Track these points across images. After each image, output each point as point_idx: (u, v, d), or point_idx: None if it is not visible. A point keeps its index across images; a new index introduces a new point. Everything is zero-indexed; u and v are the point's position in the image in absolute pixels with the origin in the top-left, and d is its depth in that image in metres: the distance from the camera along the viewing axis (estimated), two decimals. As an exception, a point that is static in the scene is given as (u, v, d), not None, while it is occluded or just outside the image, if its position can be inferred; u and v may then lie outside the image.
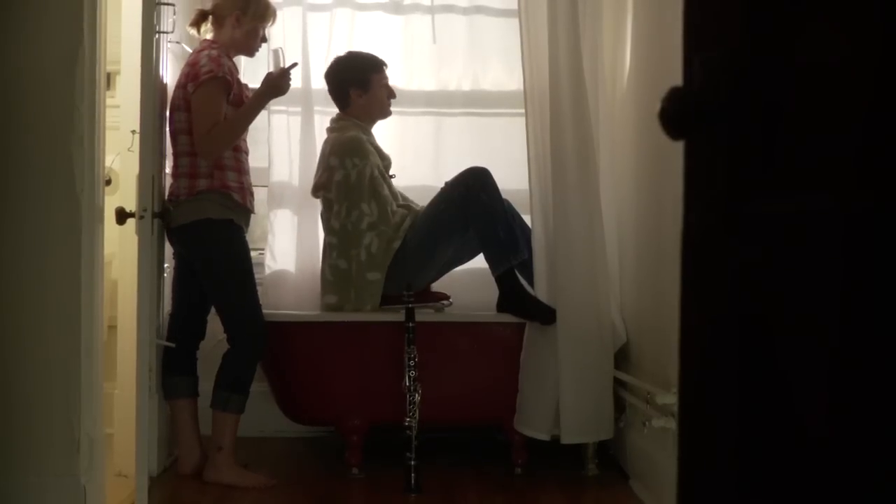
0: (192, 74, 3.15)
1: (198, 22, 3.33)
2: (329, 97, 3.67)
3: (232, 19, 3.26)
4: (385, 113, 3.61)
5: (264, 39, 3.36)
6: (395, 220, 3.43)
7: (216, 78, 3.12)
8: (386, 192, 3.45)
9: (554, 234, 3.29)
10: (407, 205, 3.56)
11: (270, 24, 3.37)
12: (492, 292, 3.40)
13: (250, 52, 3.37)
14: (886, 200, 0.81)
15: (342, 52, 3.70)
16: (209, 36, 3.31)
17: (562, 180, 3.28)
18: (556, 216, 3.29)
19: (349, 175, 3.41)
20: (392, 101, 3.61)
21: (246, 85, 3.37)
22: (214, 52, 3.17)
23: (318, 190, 3.54)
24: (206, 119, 3.12)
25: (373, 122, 3.60)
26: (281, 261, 3.73)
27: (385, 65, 3.60)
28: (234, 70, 3.24)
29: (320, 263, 3.55)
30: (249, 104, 3.24)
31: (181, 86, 3.20)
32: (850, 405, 0.87)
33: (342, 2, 3.85)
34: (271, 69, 3.32)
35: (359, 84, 3.53)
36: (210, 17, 3.31)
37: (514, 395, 3.37)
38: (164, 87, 3.24)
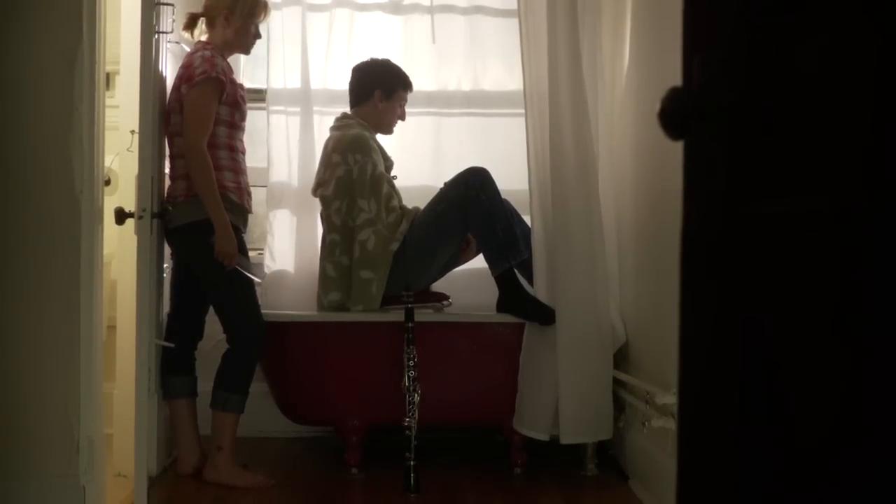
0: (186, 76, 3.16)
1: (190, 25, 3.34)
2: (328, 99, 3.69)
3: (222, 19, 3.27)
4: (389, 129, 3.65)
5: (258, 36, 3.36)
6: (389, 221, 3.43)
7: (210, 79, 3.12)
8: (386, 190, 3.45)
9: (553, 233, 3.29)
10: (402, 205, 3.56)
11: (263, 19, 3.36)
12: (491, 292, 3.40)
13: (244, 49, 3.38)
14: (886, 202, 0.81)
15: (342, 53, 3.72)
16: (205, 38, 3.31)
17: (561, 180, 3.29)
18: (555, 216, 3.29)
19: (351, 170, 3.42)
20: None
21: (241, 85, 3.37)
22: (208, 53, 3.18)
23: (318, 188, 3.54)
24: (197, 120, 3.12)
25: (376, 131, 3.61)
26: (280, 261, 3.73)
27: (412, 89, 3.63)
28: (228, 70, 3.24)
29: (319, 263, 3.55)
30: (217, 207, 3.11)
31: (176, 88, 3.21)
32: (851, 406, 0.87)
33: (341, 2, 3.85)
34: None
35: (386, 89, 3.56)
36: (202, 18, 3.32)
37: (513, 396, 3.37)
38: (163, 87, 3.24)
